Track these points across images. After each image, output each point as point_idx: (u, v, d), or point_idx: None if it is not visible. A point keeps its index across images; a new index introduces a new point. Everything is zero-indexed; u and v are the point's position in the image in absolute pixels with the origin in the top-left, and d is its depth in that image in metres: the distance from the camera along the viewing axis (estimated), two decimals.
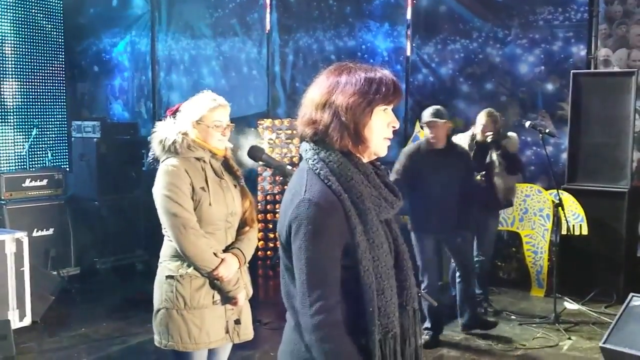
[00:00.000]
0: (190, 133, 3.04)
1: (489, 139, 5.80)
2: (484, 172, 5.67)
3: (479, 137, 5.88)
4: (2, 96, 8.62)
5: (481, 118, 5.91)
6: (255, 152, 3.23)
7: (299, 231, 1.82)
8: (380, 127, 1.92)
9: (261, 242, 7.57)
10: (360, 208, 1.86)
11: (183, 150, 2.98)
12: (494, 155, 5.80)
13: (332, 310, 1.79)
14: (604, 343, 4.49)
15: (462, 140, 5.86)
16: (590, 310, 6.00)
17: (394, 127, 1.95)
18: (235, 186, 3.14)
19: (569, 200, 6.31)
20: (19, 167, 8.38)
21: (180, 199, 2.92)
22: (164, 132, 3.05)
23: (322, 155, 1.89)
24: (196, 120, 3.03)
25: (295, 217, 1.82)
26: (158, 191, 2.97)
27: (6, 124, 8.69)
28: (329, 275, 1.81)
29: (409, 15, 7.81)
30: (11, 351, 4.71)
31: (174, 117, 3.10)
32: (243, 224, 3.17)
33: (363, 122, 1.88)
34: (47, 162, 8.54)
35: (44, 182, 6.82)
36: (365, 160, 1.94)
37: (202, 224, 2.97)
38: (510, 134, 6.07)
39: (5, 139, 8.64)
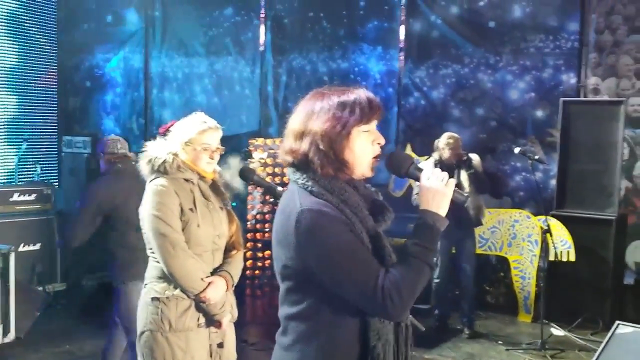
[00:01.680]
0: (180, 154, 3.03)
1: (464, 158, 5.97)
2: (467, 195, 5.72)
3: (446, 159, 5.95)
4: None
5: (446, 141, 6.00)
6: (246, 174, 3.23)
7: (311, 244, 1.81)
8: (363, 147, 1.92)
9: (250, 261, 7.53)
10: (361, 216, 1.87)
11: (172, 170, 2.97)
12: (463, 175, 5.93)
13: (387, 279, 1.79)
14: None
15: (426, 165, 5.97)
16: (577, 337, 6.00)
17: (379, 143, 1.94)
18: (221, 208, 3.13)
19: (557, 226, 6.34)
20: (8, 181, 8.34)
21: (169, 219, 2.90)
22: (153, 151, 3.03)
23: (310, 174, 1.90)
24: (185, 141, 3.02)
25: (301, 233, 1.81)
26: (147, 211, 2.95)
27: None
28: (364, 256, 1.82)
29: (402, 39, 7.88)
30: None
31: (165, 136, 3.10)
32: (230, 247, 3.16)
33: (341, 146, 1.88)
34: (36, 176, 8.50)
35: (33, 196, 6.77)
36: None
37: (190, 245, 2.95)
38: (472, 155, 6.10)
39: None
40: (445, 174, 1.93)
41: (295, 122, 1.94)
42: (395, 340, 1.95)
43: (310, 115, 1.91)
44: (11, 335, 5.40)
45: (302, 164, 1.91)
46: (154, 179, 3.00)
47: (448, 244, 6.15)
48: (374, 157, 1.95)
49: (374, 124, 1.94)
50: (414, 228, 1.90)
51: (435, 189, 1.90)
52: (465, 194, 2.02)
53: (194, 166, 3.03)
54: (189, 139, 3.02)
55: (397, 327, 1.95)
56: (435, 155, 6.07)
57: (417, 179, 1.96)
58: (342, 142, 1.88)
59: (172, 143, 3.05)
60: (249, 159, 7.27)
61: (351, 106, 1.89)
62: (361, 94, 1.93)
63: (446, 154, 5.98)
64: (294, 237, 1.82)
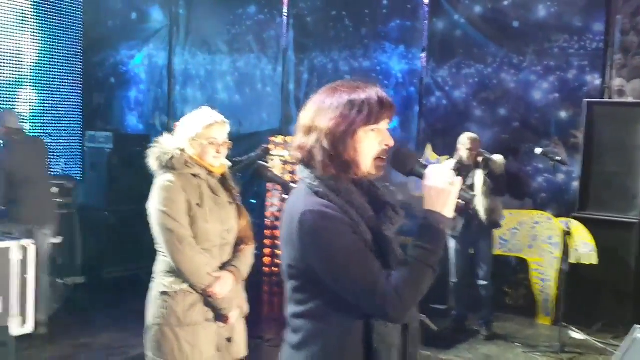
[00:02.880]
0: (187, 149, 3.03)
1: (480, 159, 5.95)
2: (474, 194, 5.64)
3: (465, 160, 5.98)
4: (19, 104, 8.70)
5: (464, 141, 6.03)
6: (260, 170, 3.22)
7: (314, 246, 1.78)
8: (370, 148, 1.87)
9: (268, 258, 7.54)
10: (366, 217, 1.85)
11: (180, 166, 2.97)
12: (478, 176, 5.91)
13: (388, 282, 1.76)
14: None
15: (449, 165, 5.95)
16: (597, 341, 5.91)
17: (386, 145, 1.90)
18: (230, 203, 3.13)
19: (579, 229, 6.25)
20: None
21: (176, 214, 2.90)
22: (161, 147, 3.04)
23: (319, 173, 1.87)
24: (192, 136, 3.02)
25: (304, 234, 1.78)
26: (154, 206, 2.96)
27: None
28: (367, 259, 1.78)
29: (424, 38, 7.83)
30: (11, 358, 4.70)
31: (169, 132, 3.11)
32: (240, 242, 3.16)
33: (345, 145, 1.84)
34: (60, 170, 8.60)
35: (54, 190, 6.85)
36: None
37: (198, 241, 2.95)
38: (495, 156, 6.07)
39: None
40: (452, 172, 1.86)
41: (305, 117, 1.92)
42: (403, 343, 1.92)
43: (319, 111, 1.88)
44: (29, 327, 5.46)
45: (308, 160, 1.89)
46: (161, 175, 3.00)
47: (465, 245, 6.11)
48: (380, 157, 1.90)
49: (384, 124, 1.89)
50: (418, 229, 1.86)
51: (440, 188, 1.84)
52: (472, 193, 1.95)
53: (201, 161, 3.03)
54: (195, 133, 3.02)
55: (404, 329, 1.93)
56: (457, 156, 6.05)
57: (422, 177, 1.90)
58: (347, 141, 1.84)
59: (179, 138, 3.05)
60: (268, 156, 7.28)
61: (360, 105, 1.84)
62: (373, 93, 1.87)
63: (464, 154, 5.98)
64: (297, 238, 1.80)
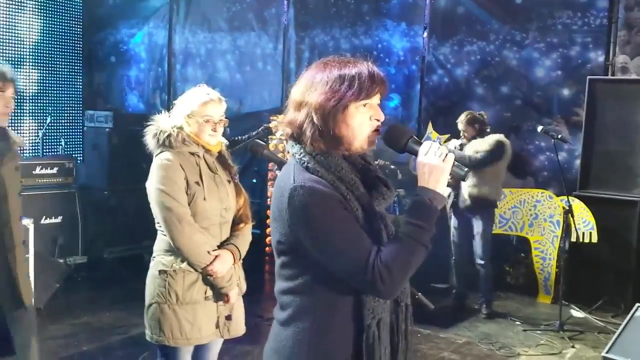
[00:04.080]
0: (184, 127, 3.01)
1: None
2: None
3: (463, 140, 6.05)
4: (19, 83, 8.67)
5: (459, 120, 6.06)
6: (256, 148, 3.20)
7: (303, 222, 1.77)
8: (360, 123, 1.85)
9: (269, 237, 7.55)
10: (357, 194, 1.83)
11: (177, 144, 2.95)
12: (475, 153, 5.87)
13: (378, 258, 1.75)
14: (606, 353, 4.42)
15: (454, 144, 6.10)
16: (597, 319, 5.92)
17: (377, 120, 1.88)
18: (229, 181, 3.12)
19: (580, 207, 6.24)
20: (33, 154, 8.44)
21: (175, 193, 2.89)
22: (158, 125, 3.02)
23: (308, 149, 1.86)
24: (188, 114, 3.00)
25: (294, 209, 1.77)
26: (152, 185, 2.95)
27: (21, 111, 8.75)
28: (357, 234, 1.78)
29: (426, 16, 7.76)
30: None
31: (169, 111, 3.09)
32: (238, 221, 3.15)
33: (335, 120, 1.82)
34: (60, 150, 8.59)
35: (55, 170, 6.84)
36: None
37: (197, 219, 2.95)
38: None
39: (20, 126, 8.71)
40: (444, 149, 1.84)
41: (295, 92, 1.90)
42: (396, 319, 1.92)
43: (309, 86, 1.86)
44: None
45: (298, 136, 1.88)
46: (159, 153, 2.99)
47: (465, 223, 6.10)
48: (372, 132, 1.88)
49: (375, 99, 1.88)
50: (409, 205, 1.85)
51: (433, 164, 1.82)
52: (465, 169, 1.92)
53: (198, 139, 3.01)
54: (191, 111, 3.00)
55: (396, 306, 1.92)
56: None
57: (416, 154, 1.88)
58: (337, 116, 1.82)
59: (176, 116, 3.04)
60: (270, 136, 7.25)
61: (350, 80, 1.83)
62: (363, 67, 1.86)
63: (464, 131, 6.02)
64: (286, 214, 1.79)
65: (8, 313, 3.22)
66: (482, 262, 6.07)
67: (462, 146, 6.01)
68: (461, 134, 6.05)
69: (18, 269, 3.19)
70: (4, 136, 3.20)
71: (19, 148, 3.34)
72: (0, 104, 3.13)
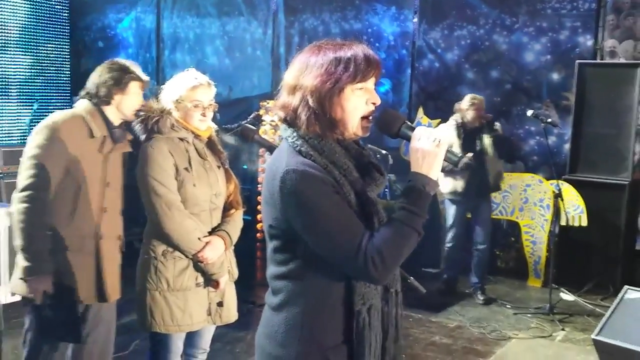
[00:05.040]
0: (173, 112, 2.99)
1: (489, 120, 5.93)
2: (471, 154, 5.54)
3: (469, 121, 5.89)
4: (5, 69, 8.60)
5: (470, 101, 5.90)
6: (247, 132, 3.19)
7: (295, 206, 1.76)
8: (356, 106, 1.84)
9: (260, 224, 7.54)
10: (350, 179, 1.82)
11: (166, 130, 2.94)
12: (487, 139, 5.85)
13: (370, 243, 1.75)
14: (596, 335, 4.45)
15: (446, 128, 5.93)
16: (586, 302, 5.98)
17: (373, 103, 1.87)
18: (219, 167, 3.10)
19: (569, 191, 6.27)
20: (21, 141, 8.37)
21: (164, 179, 2.88)
22: (147, 111, 3.00)
23: (301, 132, 1.85)
24: (176, 99, 2.98)
25: (285, 193, 1.76)
26: (141, 172, 2.93)
27: (8, 97, 8.67)
28: (349, 219, 1.77)
29: (416, 0, 7.73)
30: (0, 327, 4.68)
31: (157, 97, 3.07)
32: (229, 207, 3.14)
33: (331, 103, 1.81)
34: None
35: None
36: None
37: (187, 205, 2.93)
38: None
39: (7, 112, 8.63)
40: (438, 134, 1.83)
41: (289, 75, 1.88)
42: (386, 305, 1.92)
43: (303, 69, 1.84)
44: (17, 296, 5.42)
45: (292, 120, 1.86)
46: (148, 139, 2.96)
47: (464, 209, 6.11)
48: (366, 117, 1.87)
49: (370, 82, 1.86)
50: (403, 191, 1.84)
51: (426, 149, 1.81)
52: (459, 155, 1.90)
53: (187, 124, 2.99)
54: (180, 96, 2.98)
55: (386, 292, 1.92)
56: (457, 118, 5.95)
57: (409, 140, 1.86)
58: (333, 99, 1.81)
59: (165, 102, 3.02)
60: (260, 122, 7.23)
61: (346, 63, 1.81)
62: (359, 50, 1.84)
63: (470, 115, 5.86)
64: (278, 198, 1.78)
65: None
66: (484, 247, 6.11)
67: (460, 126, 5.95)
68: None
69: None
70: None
71: None
72: None
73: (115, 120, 3.23)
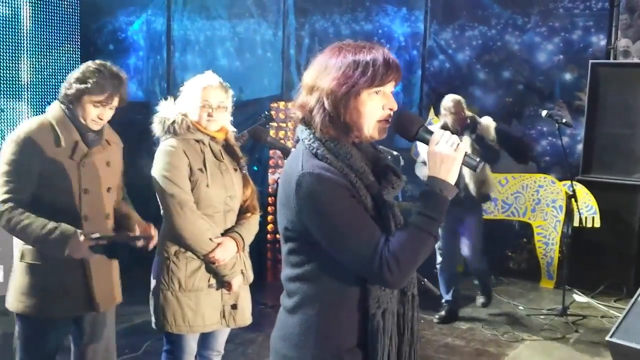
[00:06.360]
0: (190, 115, 3.00)
1: (467, 122, 5.33)
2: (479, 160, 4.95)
3: (450, 125, 5.29)
4: (18, 72, 8.63)
5: (447, 105, 5.33)
6: (259, 134, 3.18)
7: (310, 209, 1.75)
8: (372, 110, 1.82)
9: (271, 225, 7.53)
10: (366, 182, 1.81)
11: (182, 131, 2.95)
12: (465, 141, 5.11)
13: (386, 247, 1.73)
14: (610, 337, 4.42)
15: (436, 129, 5.61)
16: (600, 304, 5.93)
17: (390, 109, 1.84)
18: (235, 170, 3.10)
19: (582, 192, 6.23)
20: None
21: (178, 179, 2.89)
22: (165, 112, 3.02)
23: (318, 135, 1.83)
24: (188, 100, 3.00)
25: (301, 196, 1.74)
26: (156, 171, 2.95)
27: (20, 99, 8.70)
28: (365, 223, 1.76)
29: (427, 0, 7.71)
30: (12, 328, 4.69)
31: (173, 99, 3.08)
32: (245, 211, 3.14)
33: (346, 107, 1.79)
34: None
35: None
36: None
37: (200, 206, 2.94)
38: (484, 119, 5.47)
39: (20, 115, 8.66)
40: (456, 138, 1.81)
41: (308, 75, 1.87)
42: (402, 309, 1.90)
43: (322, 70, 1.83)
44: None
45: (309, 120, 1.85)
46: (164, 140, 2.99)
47: (451, 222, 5.37)
48: (383, 120, 1.84)
49: (389, 87, 1.84)
50: (420, 196, 1.82)
51: (444, 154, 1.79)
52: (478, 159, 1.87)
53: (200, 127, 3.00)
54: (192, 97, 3.00)
55: (402, 296, 1.90)
56: (442, 120, 5.48)
57: (427, 143, 1.84)
58: (348, 103, 1.79)
59: (181, 103, 3.03)
60: (270, 123, 7.23)
61: (364, 66, 1.79)
62: (379, 54, 1.82)
63: (449, 119, 5.32)
64: (294, 201, 1.76)
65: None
66: (477, 264, 5.70)
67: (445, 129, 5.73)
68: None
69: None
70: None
71: None
72: None
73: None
